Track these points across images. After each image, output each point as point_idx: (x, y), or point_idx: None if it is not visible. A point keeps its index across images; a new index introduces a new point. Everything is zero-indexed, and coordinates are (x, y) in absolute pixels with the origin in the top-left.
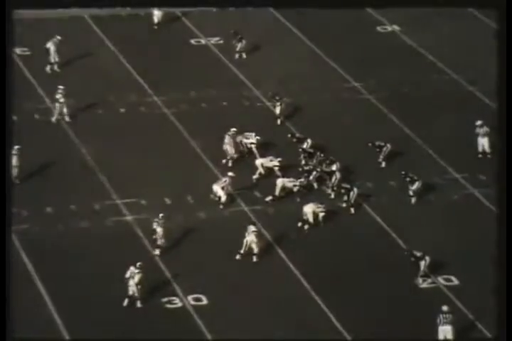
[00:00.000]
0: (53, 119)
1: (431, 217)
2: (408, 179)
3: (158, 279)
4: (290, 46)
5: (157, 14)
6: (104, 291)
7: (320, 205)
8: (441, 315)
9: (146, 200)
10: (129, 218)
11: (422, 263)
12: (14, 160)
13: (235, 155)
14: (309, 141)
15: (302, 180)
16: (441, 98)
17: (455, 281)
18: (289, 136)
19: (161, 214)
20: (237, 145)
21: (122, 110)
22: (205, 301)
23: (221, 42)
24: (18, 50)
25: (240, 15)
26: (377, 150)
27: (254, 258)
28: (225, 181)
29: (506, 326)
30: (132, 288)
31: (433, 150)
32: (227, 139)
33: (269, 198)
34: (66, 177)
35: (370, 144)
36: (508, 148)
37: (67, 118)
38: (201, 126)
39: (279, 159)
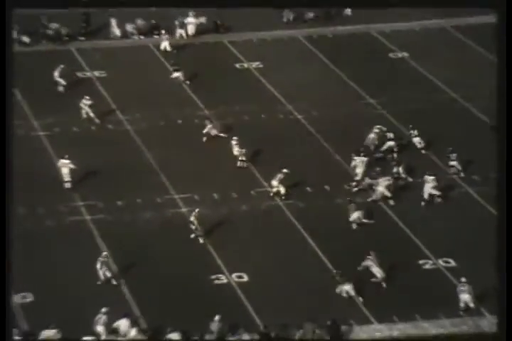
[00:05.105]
0: (84, 116)
1: (444, 213)
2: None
3: (208, 260)
4: (317, 68)
5: (164, 44)
6: (166, 270)
7: (386, 178)
8: (460, 286)
9: (198, 195)
10: (184, 210)
11: None
12: (65, 170)
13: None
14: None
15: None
16: (443, 112)
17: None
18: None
19: (197, 209)
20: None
21: (179, 121)
22: (246, 278)
23: (261, 66)
24: (96, 73)
25: (275, 44)
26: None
27: (383, 284)
28: (281, 177)
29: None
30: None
31: (436, 156)
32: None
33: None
34: (134, 175)
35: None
36: (508, 149)
37: (96, 121)
38: (244, 135)
39: (285, 170)
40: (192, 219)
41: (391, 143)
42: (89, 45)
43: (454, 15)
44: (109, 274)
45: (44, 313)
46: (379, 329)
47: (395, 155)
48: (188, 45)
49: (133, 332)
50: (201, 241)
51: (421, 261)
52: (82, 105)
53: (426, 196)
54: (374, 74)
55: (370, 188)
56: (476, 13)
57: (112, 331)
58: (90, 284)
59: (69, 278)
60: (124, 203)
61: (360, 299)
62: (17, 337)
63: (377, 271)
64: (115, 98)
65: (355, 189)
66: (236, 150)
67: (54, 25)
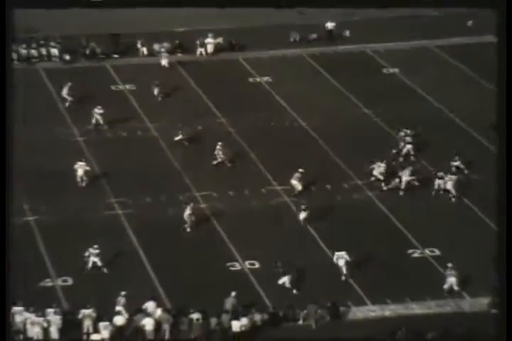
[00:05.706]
0: (93, 122)
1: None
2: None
3: (224, 249)
4: (319, 82)
5: (164, 61)
6: (187, 258)
7: (406, 170)
8: (447, 270)
9: (216, 193)
10: (203, 206)
11: None
12: (80, 171)
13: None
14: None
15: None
16: (428, 121)
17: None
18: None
19: (192, 204)
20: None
21: (200, 127)
22: (257, 265)
23: (270, 80)
24: (127, 86)
25: (283, 61)
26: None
27: (343, 277)
28: (298, 175)
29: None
30: (94, 260)
31: (424, 158)
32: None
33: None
34: (160, 176)
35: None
36: (508, 150)
37: (105, 127)
38: (256, 140)
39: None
40: (189, 212)
41: (409, 147)
42: (121, 62)
43: (438, 37)
44: (99, 263)
45: (82, 295)
46: (373, 310)
47: (412, 157)
48: (208, 62)
49: (159, 312)
50: (188, 230)
51: (410, 251)
52: (93, 113)
53: (454, 192)
54: (369, 87)
55: (399, 185)
56: (457, 35)
57: (141, 311)
58: (123, 269)
59: (103, 264)
60: (151, 200)
61: (295, 291)
62: (59, 316)
63: (344, 266)
64: (144, 108)
65: (385, 188)
66: (221, 155)
67: (91, 45)
